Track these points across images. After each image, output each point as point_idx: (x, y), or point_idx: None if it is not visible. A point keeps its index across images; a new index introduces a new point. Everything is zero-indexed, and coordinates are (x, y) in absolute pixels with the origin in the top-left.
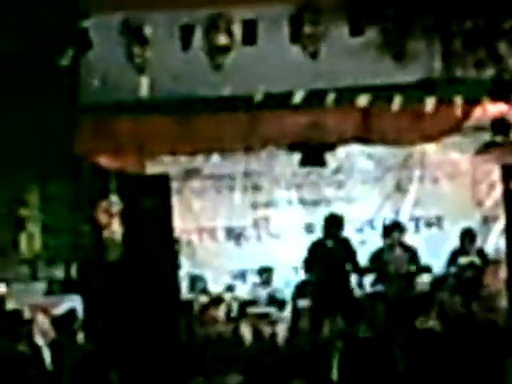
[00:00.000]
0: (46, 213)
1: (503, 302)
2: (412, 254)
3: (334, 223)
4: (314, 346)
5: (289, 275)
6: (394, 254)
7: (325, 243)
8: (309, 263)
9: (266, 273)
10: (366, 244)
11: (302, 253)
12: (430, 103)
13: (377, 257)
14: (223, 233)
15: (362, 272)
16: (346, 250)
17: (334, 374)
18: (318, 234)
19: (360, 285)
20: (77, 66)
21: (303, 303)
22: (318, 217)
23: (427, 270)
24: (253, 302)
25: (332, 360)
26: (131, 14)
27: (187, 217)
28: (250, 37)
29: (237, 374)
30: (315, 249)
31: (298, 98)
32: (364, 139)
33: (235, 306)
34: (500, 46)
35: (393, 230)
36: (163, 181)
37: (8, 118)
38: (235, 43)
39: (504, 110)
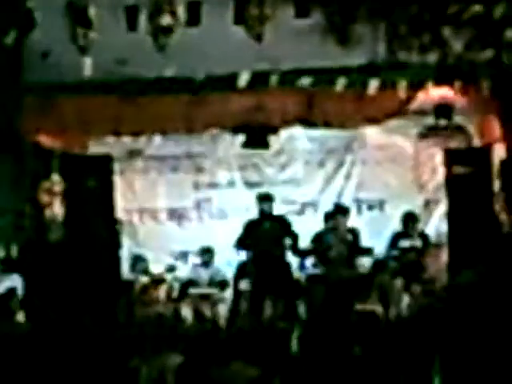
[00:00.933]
0: None
1: (444, 285)
2: (354, 236)
3: (264, 200)
4: (255, 328)
5: (230, 256)
6: (336, 237)
7: (261, 223)
8: (242, 241)
9: (207, 253)
10: (306, 227)
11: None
12: (373, 86)
13: (318, 239)
14: (165, 213)
15: (302, 254)
16: (284, 227)
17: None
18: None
19: (302, 266)
20: (20, 46)
21: (244, 284)
22: None
23: (368, 252)
24: (194, 283)
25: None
26: None
27: (129, 197)
28: (194, 18)
29: (177, 354)
30: (251, 228)
31: (242, 80)
32: (307, 122)
33: (176, 287)
34: (444, 31)
35: (337, 213)
36: (106, 161)
37: None
38: (179, 24)
39: (447, 94)
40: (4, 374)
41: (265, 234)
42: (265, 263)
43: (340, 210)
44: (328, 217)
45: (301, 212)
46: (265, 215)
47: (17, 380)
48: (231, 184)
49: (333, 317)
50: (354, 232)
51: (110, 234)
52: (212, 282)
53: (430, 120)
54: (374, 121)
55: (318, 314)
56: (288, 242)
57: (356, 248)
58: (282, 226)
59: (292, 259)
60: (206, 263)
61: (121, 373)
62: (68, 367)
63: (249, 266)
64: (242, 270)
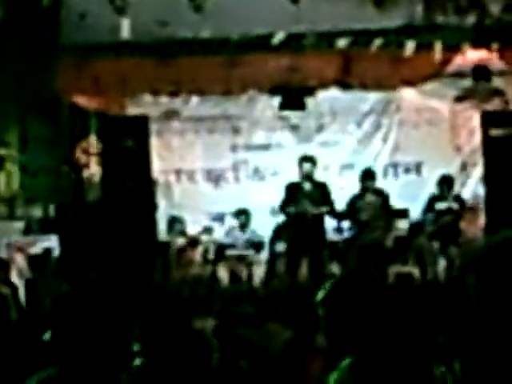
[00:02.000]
0: (25, 153)
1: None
2: (383, 198)
3: (307, 162)
4: (290, 289)
5: (267, 218)
6: (366, 200)
7: (302, 185)
8: (285, 204)
9: (243, 215)
10: (344, 189)
11: (281, 196)
12: (410, 48)
13: (351, 203)
14: (202, 174)
15: (338, 217)
16: (323, 193)
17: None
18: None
19: (339, 230)
20: (58, 7)
21: (280, 246)
22: (296, 160)
23: (403, 214)
24: (230, 245)
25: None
26: None
27: (166, 158)
28: None
29: (211, 318)
30: (292, 190)
31: (277, 39)
32: (343, 83)
33: (212, 249)
34: None
35: (365, 177)
36: (142, 122)
37: None
38: None
39: (485, 56)
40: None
41: (304, 196)
42: (302, 225)
43: (368, 175)
44: (360, 180)
45: (339, 173)
46: (306, 177)
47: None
48: (268, 145)
49: (362, 279)
50: (383, 194)
51: (146, 194)
52: (248, 244)
53: (466, 82)
54: (410, 83)
55: (348, 276)
56: (325, 208)
57: (387, 210)
58: (322, 191)
59: (329, 222)
60: (242, 225)
61: (158, 335)
62: (104, 327)
63: (284, 228)
64: (278, 232)
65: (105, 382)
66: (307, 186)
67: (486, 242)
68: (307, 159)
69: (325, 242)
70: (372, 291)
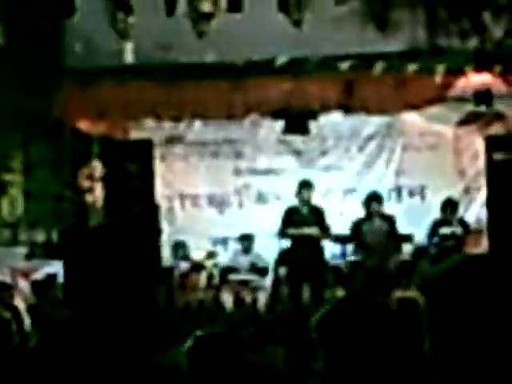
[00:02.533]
0: (29, 178)
1: None
2: (391, 223)
3: (304, 187)
4: (294, 313)
5: (270, 242)
6: (372, 224)
7: (299, 209)
8: (282, 228)
9: (246, 240)
10: (343, 215)
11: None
12: (412, 71)
13: (356, 226)
14: (205, 199)
15: (342, 241)
16: (318, 217)
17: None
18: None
19: (342, 254)
20: (60, 31)
21: (284, 270)
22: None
23: (408, 239)
24: (234, 269)
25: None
26: None
27: (170, 183)
28: (235, 4)
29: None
30: (290, 214)
31: (279, 63)
32: (346, 107)
33: (216, 273)
34: (484, 17)
35: (371, 200)
36: (146, 146)
37: None
38: (220, 10)
39: (487, 80)
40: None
41: (302, 221)
42: (301, 249)
43: (374, 198)
44: (365, 204)
45: (341, 198)
46: (304, 202)
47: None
48: (271, 170)
49: (360, 303)
50: (390, 219)
51: (150, 219)
52: (252, 269)
53: (469, 106)
54: (413, 107)
55: (353, 299)
56: (317, 229)
57: (394, 235)
58: (317, 215)
59: (333, 247)
60: (246, 250)
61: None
62: (107, 354)
63: (287, 253)
64: (283, 257)
65: None
66: (305, 210)
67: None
68: (305, 184)
69: (325, 266)
70: (371, 315)
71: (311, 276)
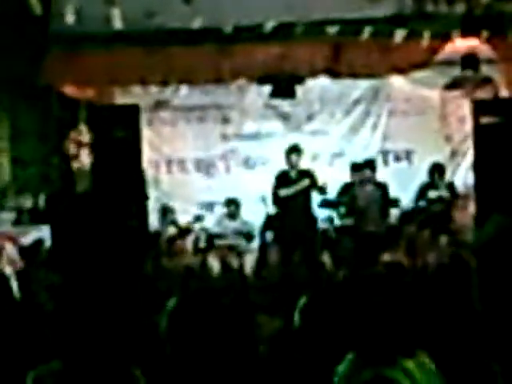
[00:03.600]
0: (16, 144)
1: (471, 236)
2: (383, 190)
3: (293, 152)
4: (282, 278)
5: (257, 207)
6: (364, 189)
7: (288, 174)
8: (274, 193)
9: (232, 205)
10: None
11: (271, 184)
12: (399, 36)
13: (345, 191)
14: (192, 164)
15: (330, 205)
16: (311, 181)
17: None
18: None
19: (329, 218)
20: None
21: (271, 235)
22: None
23: (395, 203)
24: (221, 234)
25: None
26: None
27: (156, 148)
28: None
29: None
30: (280, 178)
31: (267, 28)
32: (333, 72)
33: (203, 238)
34: None
35: (364, 166)
36: (133, 111)
37: None
38: None
39: (474, 45)
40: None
41: (291, 184)
42: (292, 214)
43: (368, 165)
44: (355, 169)
45: (329, 162)
46: (293, 167)
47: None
48: (258, 135)
49: (362, 267)
50: (382, 186)
51: (137, 184)
52: (238, 233)
53: (456, 71)
54: (400, 71)
55: (347, 266)
56: (307, 180)
57: (386, 201)
58: (308, 178)
59: (319, 211)
60: (232, 214)
61: (147, 326)
62: (95, 319)
63: (275, 218)
64: (269, 222)
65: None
66: (294, 174)
67: (482, 231)
68: (294, 149)
69: (316, 231)
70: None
71: (303, 241)
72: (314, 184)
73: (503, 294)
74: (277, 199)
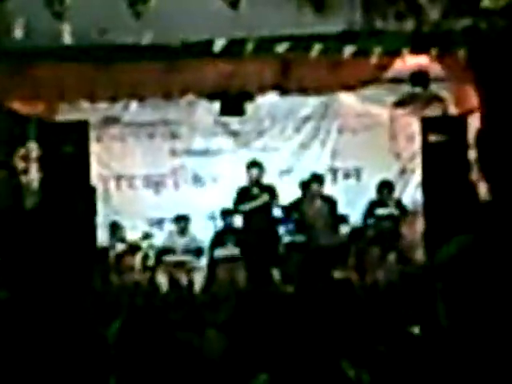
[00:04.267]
0: None
1: (420, 254)
2: (332, 205)
3: (254, 167)
4: (231, 294)
5: (206, 224)
6: (312, 205)
7: (250, 189)
8: (235, 207)
9: (182, 221)
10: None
11: (220, 201)
12: (348, 53)
13: (294, 207)
14: (141, 180)
15: (278, 221)
16: (271, 195)
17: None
18: (236, 182)
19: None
20: None
21: (220, 252)
22: (236, 166)
23: (344, 220)
24: (169, 251)
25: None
26: None
27: (106, 164)
28: None
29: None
30: (241, 194)
31: (217, 46)
32: (283, 88)
33: (152, 254)
34: None
35: (312, 181)
36: (82, 128)
37: None
38: None
39: (424, 62)
40: None
41: (253, 200)
42: (252, 230)
43: (315, 179)
44: (304, 185)
45: (277, 179)
46: (254, 182)
47: None
48: (207, 151)
49: (310, 284)
50: (331, 200)
51: (85, 200)
52: (187, 250)
53: (406, 88)
54: (349, 87)
55: (296, 281)
56: (266, 195)
57: (334, 216)
58: (270, 194)
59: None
60: (182, 231)
61: (95, 341)
62: (42, 334)
63: (228, 234)
64: (218, 238)
65: None
66: (255, 190)
67: (442, 251)
68: (255, 164)
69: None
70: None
71: (267, 256)
72: (274, 199)
73: (469, 311)
74: (237, 211)
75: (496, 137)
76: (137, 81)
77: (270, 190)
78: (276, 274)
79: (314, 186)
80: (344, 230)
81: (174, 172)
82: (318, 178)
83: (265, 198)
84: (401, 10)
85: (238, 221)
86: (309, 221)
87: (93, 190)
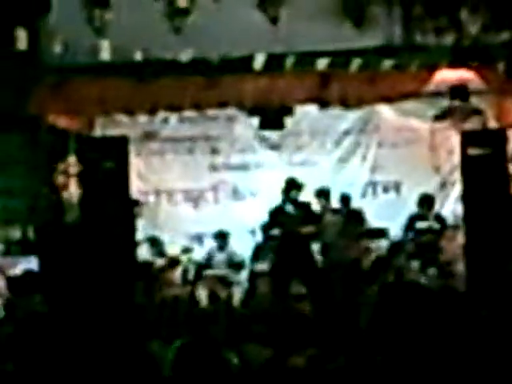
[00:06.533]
0: (5, 174)
1: (461, 267)
2: (358, 218)
3: (292, 187)
4: (272, 310)
5: (246, 238)
6: (325, 219)
7: (284, 208)
8: (267, 228)
9: (222, 238)
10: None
11: (260, 216)
12: (388, 67)
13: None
14: (181, 195)
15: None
16: (307, 213)
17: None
18: (276, 196)
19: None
20: (38, 28)
21: (260, 266)
22: (276, 180)
23: (382, 233)
24: (209, 265)
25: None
26: None
27: (145, 179)
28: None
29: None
30: (275, 214)
31: (258, 62)
32: (322, 101)
33: (192, 269)
34: (461, 13)
35: (317, 196)
36: (122, 143)
37: None
38: (196, 5)
39: (463, 76)
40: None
41: (290, 218)
42: (286, 247)
43: (321, 194)
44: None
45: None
46: (291, 201)
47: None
48: (246, 166)
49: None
50: (358, 213)
51: (126, 215)
52: (227, 264)
53: (445, 102)
54: (388, 99)
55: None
56: (312, 227)
57: (364, 229)
58: (306, 211)
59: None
60: (221, 247)
61: (139, 356)
62: (85, 350)
63: (266, 250)
64: (257, 252)
65: None
66: (289, 207)
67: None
68: (295, 185)
69: (312, 265)
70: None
71: (296, 274)
72: (312, 217)
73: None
74: (267, 234)
75: None
76: (176, 96)
77: (306, 208)
78: (296, 289)
79: (321, 201)
80: (384, 244)
81: (213, 187)
82: (323, 193)
83: (310, 229)
84: (440, 24)
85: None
86: (325, 236)
87: (133, 205)
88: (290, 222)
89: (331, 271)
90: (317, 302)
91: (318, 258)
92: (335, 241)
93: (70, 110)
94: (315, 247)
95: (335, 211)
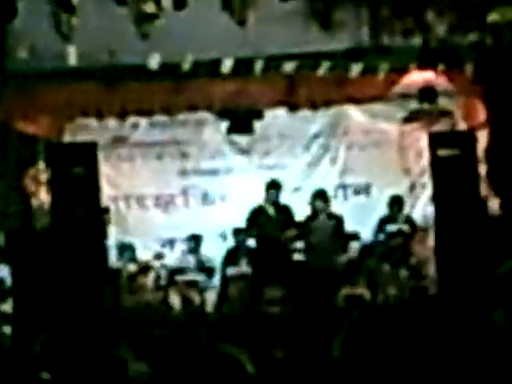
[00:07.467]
0: None
1: (431, 270)
2: (338, 222)
3: (273, 188)
4: (245, 313)
5: (217, 243)
6: (317, 222)
7: (265, 209)
8: (246, 228)
9: (194, 240)
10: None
11: (231, 220)
12: (356, 70)
13: (304, 225)
14: (151, 200)
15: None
16: (287, 216)
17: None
18: (246, 200)
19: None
20: (3, 34)
21: (232, 270)
22: (246, 184)
23: (355, 237)
24: (181, 270)
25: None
26: None
27: (115, 185)
28: (179, 3)
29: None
30: (255, 214)
31: (226, 66)
32: (290, 104)
33: (164, 274)
34: (427, 15)
35: (316, 198)
36: (91, 148)
37: None
38: (163, 10)
39: (431, 78)
40: None
41: (269, 220)
42: (266, 249)
43: (319, 195)
44: (310, 202)
45: (287, 197)
46: (272, 203)
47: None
48: (217, 170)
49: (313, 302)
50: (337, 218)
51: (96, 221)
52: (199, 269)
53: (413, 104)
54: (356, 101)
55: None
56: (293, 231)
57: (341, 234)
58: (286, 214)
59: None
60: (193, 250)
61: (108, 362)
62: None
63: (240, 253)
64: (230, 257)
65: None
66: (271, 210)
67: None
68: (274, 185)
69: (291, 267)
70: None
71: (277, 276)
72: (292, 220)
73: None
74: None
75: (505, 151)
76: (145, 100)
77: (286, 211)
78: (269, 293)
79: (318, 203)
80: (355, 246)
81: (183, 191)
82: (321, 195)
83: (292, 233)
84: (408, 26)
85: (250, 239)
86: (313, 239)
87: (103, 211)
88: (270, 225)
89: (316, 274)
90: (295, 305)
91: (303, 259)
92: (320, 244)
93: (38, 115)
94: (300, 249)
95: (330, 215)
